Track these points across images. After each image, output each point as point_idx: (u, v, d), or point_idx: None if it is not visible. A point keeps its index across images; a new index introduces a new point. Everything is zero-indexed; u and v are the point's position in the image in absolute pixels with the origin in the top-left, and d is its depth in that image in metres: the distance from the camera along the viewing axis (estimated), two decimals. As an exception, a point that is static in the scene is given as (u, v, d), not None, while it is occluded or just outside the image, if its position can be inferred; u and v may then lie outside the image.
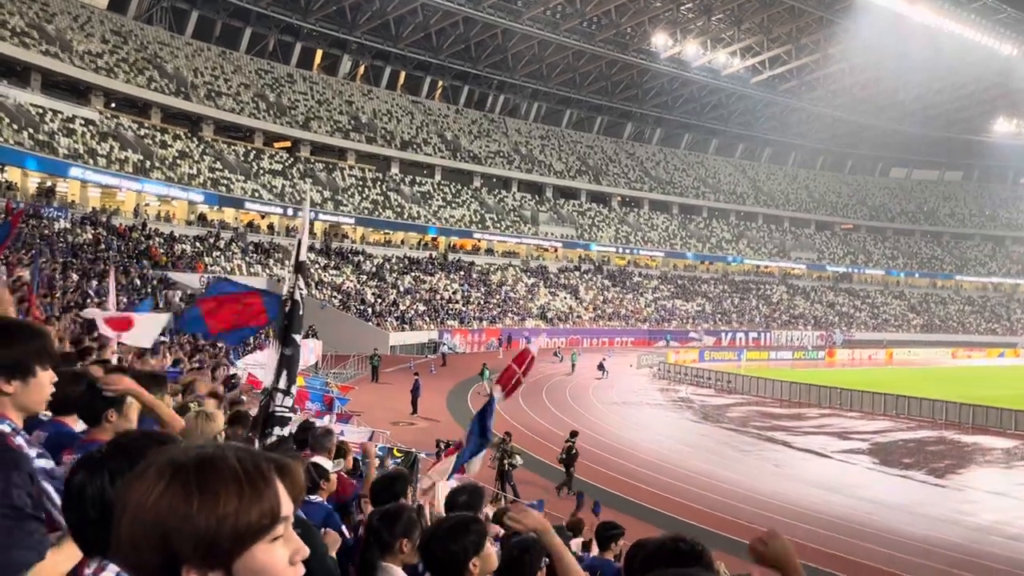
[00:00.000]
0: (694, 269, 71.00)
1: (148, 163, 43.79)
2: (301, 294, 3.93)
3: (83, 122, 42.06)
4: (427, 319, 47.40)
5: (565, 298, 58.80)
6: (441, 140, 63.32)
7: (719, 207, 76.88)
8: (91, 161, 40.35)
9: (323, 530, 3.89)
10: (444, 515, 3.89)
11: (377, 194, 56.59)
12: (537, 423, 26.73)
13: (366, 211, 54.54)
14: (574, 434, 19.05)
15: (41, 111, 39.99)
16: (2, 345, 2.02)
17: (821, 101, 73.84)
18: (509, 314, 53.01)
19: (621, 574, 3.66)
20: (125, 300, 24.84)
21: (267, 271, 43.03)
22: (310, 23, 56.94)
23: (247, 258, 43.98)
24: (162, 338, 18.34)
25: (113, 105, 46.48)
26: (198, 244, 42.44)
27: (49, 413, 2.91)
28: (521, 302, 55.55)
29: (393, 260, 53.00)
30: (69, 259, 29.44)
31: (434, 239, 57.61)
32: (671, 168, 77.44)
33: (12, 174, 37.52)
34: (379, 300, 46.85)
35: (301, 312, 4.01)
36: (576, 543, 7.80)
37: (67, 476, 1.70)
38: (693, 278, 69.55)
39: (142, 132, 46.18)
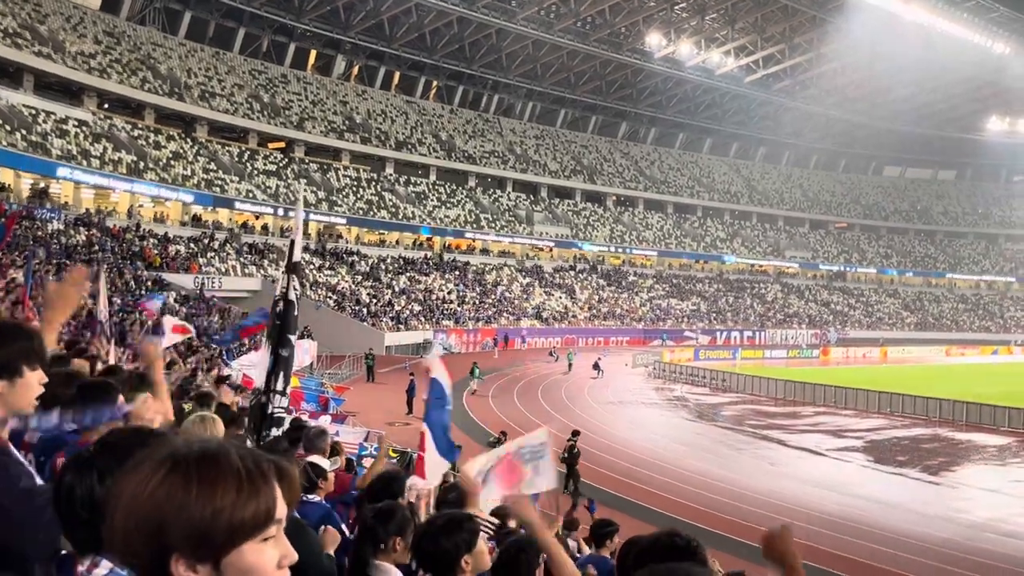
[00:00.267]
0: (689, 268, 71.10)
1: (142, 164, 43.67)
2: (296, 294, 3.93)
3: (76, 123, 41.93)
4: (422, 319, 47.38)
5: (560, 298, 58.83)
6: (436, 140, 63.29)
7: (713, 206, 77.00)
8: (84, 162, 40.22)
9: (323, 528, 3.91)
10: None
11: (372, 194, 56.54)
12: (533, 422, 26.74)
13: (361, 211, 54.48)
14: (575, 433, 19.01)
15: (34, 112, 39.86)
16: None
17: (815, 100, 74.00)
18: (504, 314, 53.02)
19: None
20: (119, 302, 24.79)
21: (261, 272, 42.98)
22: (304, 23, 56.86)
23: (241, 259, 43.90)
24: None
25: (106, 106, 46.35)
26: (192, 245, 42.35)
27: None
28: (516, 302, 55.57)
29: (388, 260, 52.95)
30: (63, 260, 29.36)
31: (429, 239, 57.58)
32: (665, 167, 77.53)
33: (5, 175, 37.42)
34: (374, 300, 46.81)
35: (296, 312, 4.02)
36: (572, 544, 7.82)
37: (57, 476, 1.70)
38: (688, 277, 69.66)
39: (136, 133, 46.05)
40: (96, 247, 33.97)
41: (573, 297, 59.81)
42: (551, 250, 64.94)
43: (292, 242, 4.39)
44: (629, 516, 14.99)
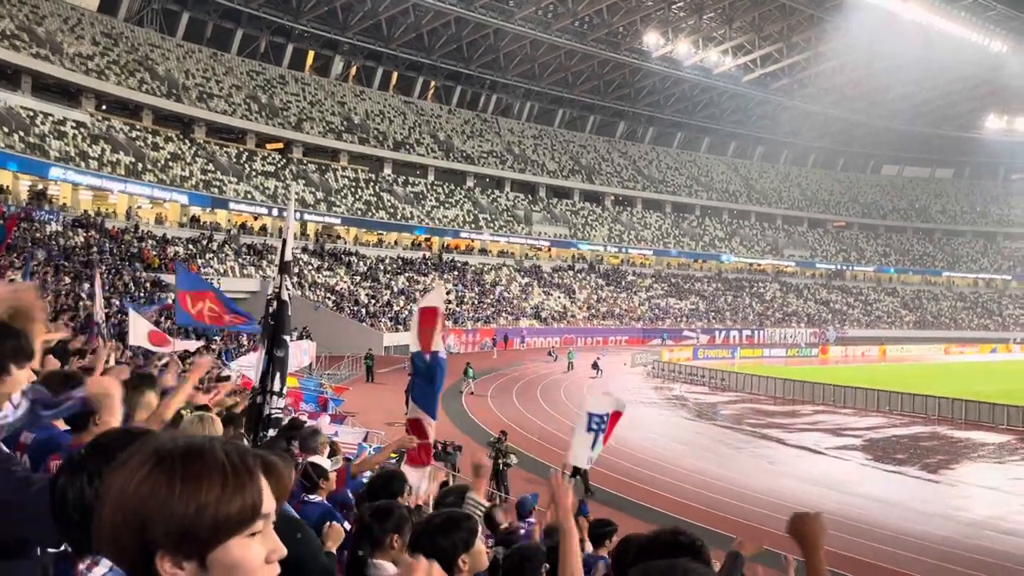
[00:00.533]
0: (687, 267, 71.13)
1: (140, 165, 43.65)
2: (289, 294, 3.92)
3: (74, 124, 41.90)
4: (421, 319, 47.30)
5: (559, 297, 58.83)
6: (434, 140, 63.27)
7: (712, 205, 77.02)
8: (83, 164, 40.19)
9: (328, 524, 3.93)
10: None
11: (370, 195, 56.52)
12: (531, 422, 26.75)
13: (359, 212, 54.46)
14: None
15: (32, 114, 39.83)
16: None
17: (812, 99, 74.03)
18: (503, 314, 53.02)
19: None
20: (117, 303, 24.78)
21: (260, 272, 42.95)
22: (301, 24, 56.83)
23: (240, 260, 43.88)
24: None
25: (104, 107, 46.31)
26: (191, 246, 42.32)
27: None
28: (515, 302, 55.56)
29: (387, 261, 52.95)
30: (61, 262, 29.35)
31: (427, 239, 57.57)
32: (664, 167, 77.54)
33: (4, 177, 37.38)
34: (373, 301, 46.79)
35: (289, 312, 4.00)
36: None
37: (51, 479, 1.70)
38: (686, 276, 69.68)
39: (134, 134, 46.02)
40: (94, 249, 33.95)
41: (572, 297, 59.82)
42: (549, 250, 64.95)
43: (284, 242, 4.38)
44: (628, 516, 14.99)
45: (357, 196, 55.60)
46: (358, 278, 49.31)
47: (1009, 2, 62.90)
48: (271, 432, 4.95)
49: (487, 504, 5.07)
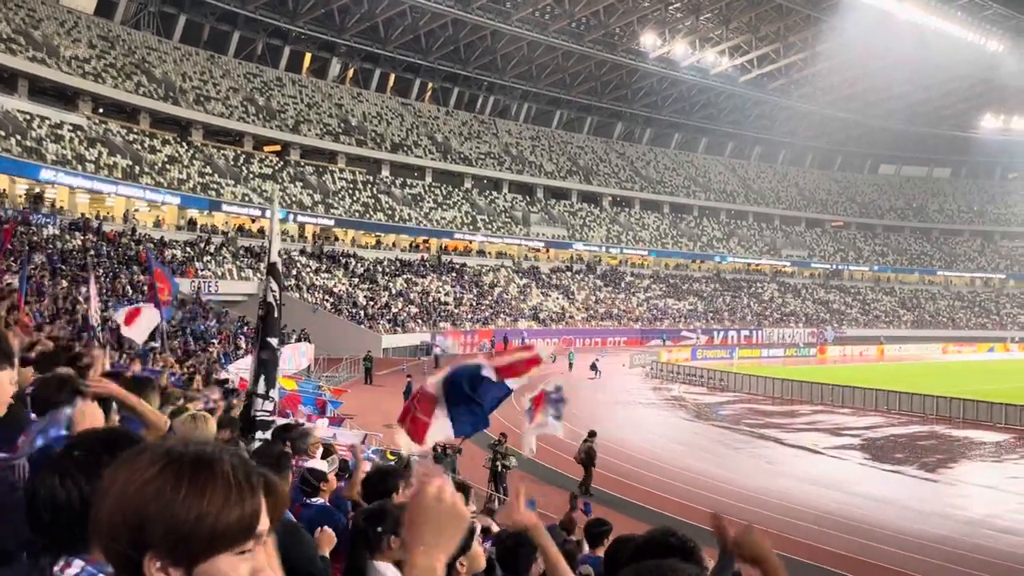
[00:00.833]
0: (685, 268, 71.17)
1: (137, 169, 43.61)
2: (274, 296, 3.90)
3: (71, 128, 41.85)
4: (420, 321, 47.36)
5: (557, 298, 58.85)
6: (431, 142, 63.28)
7: (709, 206, 77.07)
8: (80, 167, 40.14)
9: (319, 528, 3.94)
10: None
11: (368, 197, 56.51)
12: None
13: (357, 214, 54.45)
14: (592, 434, 18.92)
15: (28, 117, 39.77)
16: None
17: (809, 99, 74.09)
18: (501, 315, 53.02)
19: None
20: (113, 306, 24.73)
21: (258, 275, 42.86)
22: (298, 26, 56.81)
23: (238, 262, 43.86)
24: (152, 343, 18.31)
25: (101, 111, 46.28)
26: (188, 249, 42.29)
27: (34, 417, 2.91)
28: (513, 303, 55.57)
29: (385, 263, 52.95)
30: (59, 266, 29.34)
31: (425, 241, 57.56)
32: (661, 167, 77.60)
33: (1, 181, 37.35)
34: (371, 303, 46.78)
35: (276, 315, 3.98)
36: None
37: (26, 480, 1.70)
38: (684, 277, 69.72)
39: (131, 137, 46.00)
40: (92, 252, 33.92)
41: (570, 298, 59.83)
42: (548, 251, 64.96)
43: (269, 243, 4.37)
44: (627, 516, 15.00)
45: (355, 198, 55.60)
46: (356, 280, 49.30)
47: (1005, 1, 63.01)
48: (258, 434, 4.93)
49: (473, 508, 5.08)
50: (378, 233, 55.73)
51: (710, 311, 64.87)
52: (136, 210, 43.84)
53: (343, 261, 50.67)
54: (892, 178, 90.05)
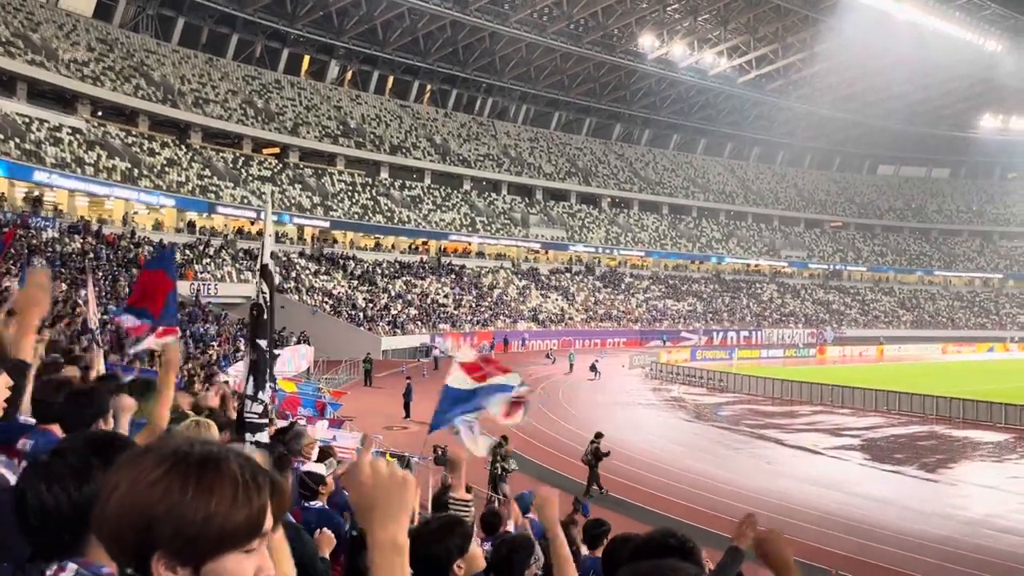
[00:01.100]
0: (684, 269, 71.19)
1: (136, 171, 43.61)
2: (264, 298, 3.89)
3: (70, 131, 41.85)
4: (419, 323, 47.35)
5: (557, 300, 58.86)
6: (430, 144, 63.30)
7: (708, 207, 77.12)
8: (78, 170, 40.13)
9: (319, 531, 3.94)
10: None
11: (367, 199, 56.52)
12: (531, 424, 26.70)
13: (356, 216, 54.47)
14: (599, 435, 18.91)
15: (27, 120, 39.77)
16: None
17: (808, 100, 74.14)
18: (501, 317, 53.03)
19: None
20: (114, 309, 24.72)
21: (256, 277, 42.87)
22: (297, 29, 56.83)
23: (237, 265, 43.85)
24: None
25: (100, 113, 46.29)
26: (188, 252, 42.28)
27: (33, 421, 2.91)
28: (513, 304, 55.57)
29: (384, 265, 52.95)
30: (58, 268, 29.31)
31: (424, 243, 57.56)
32: (660, 168, 77.63)
33: (0, 184, 37.33)
34: (370, 305, 46.78)
35: (265, 317, 3.97)
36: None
37: (14, 485, 1.69)
38: (684, 278, 69.74)
39: (130, 140, 46.00)
40: (91, 255, 33.92)
41: (569, 299, 59.84)
42: (547, 252, 64.98)
43: (262, 245, 4.37)
44: (626, 517, 14.99)
45: (354, 200, 55.60)
46: (355, 282, 49.30)
47: (1004, 1, 63.07)
48: (248, 436, 4.92)
49: (469, 497, 5.09)
50: (377, 235, 55.74)
51: (709, 312, 64.89)
52: (135, 213, 43.85)
53: (342, 263, 50.68)
54: (891, 178, 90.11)
